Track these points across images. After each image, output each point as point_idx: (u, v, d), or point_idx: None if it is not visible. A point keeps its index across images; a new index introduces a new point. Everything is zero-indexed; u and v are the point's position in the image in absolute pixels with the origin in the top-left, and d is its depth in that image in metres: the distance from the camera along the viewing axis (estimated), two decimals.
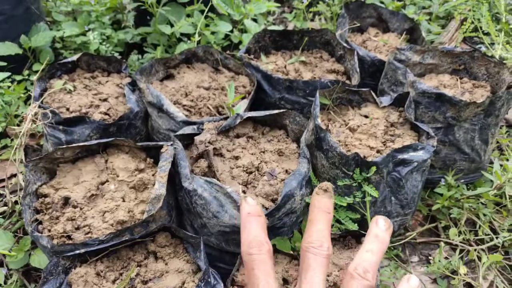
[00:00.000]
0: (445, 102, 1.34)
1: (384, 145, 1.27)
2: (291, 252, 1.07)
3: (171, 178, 1.14)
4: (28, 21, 1.81)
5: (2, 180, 1.39)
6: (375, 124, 1.32)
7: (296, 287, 0.55)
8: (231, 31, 1.94)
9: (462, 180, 1.45)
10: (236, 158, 1.23)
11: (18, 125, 1.42)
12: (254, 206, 0.64)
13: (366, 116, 1.37)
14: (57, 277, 0.93)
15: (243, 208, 0.61)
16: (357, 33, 1.93)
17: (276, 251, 1.08)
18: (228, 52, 1.98)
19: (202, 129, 1.24)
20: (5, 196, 1.33)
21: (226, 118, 1.29)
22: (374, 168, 1.13)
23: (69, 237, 1.02)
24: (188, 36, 1.89)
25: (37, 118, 1.25)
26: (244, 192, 1.14)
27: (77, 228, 1.04)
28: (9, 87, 1.56)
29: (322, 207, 0.60)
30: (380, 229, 0.62)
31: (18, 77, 1.66)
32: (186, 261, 0.99)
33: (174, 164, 1.16)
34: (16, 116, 1.56)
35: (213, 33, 1.90)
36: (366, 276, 0.55)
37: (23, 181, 1.25)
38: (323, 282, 0.54)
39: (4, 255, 1.23)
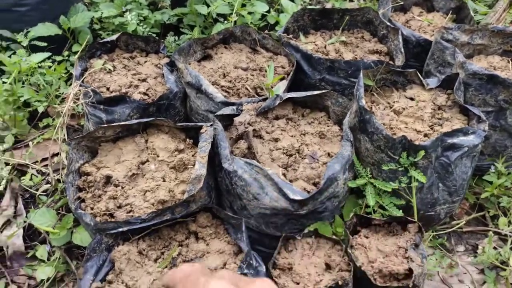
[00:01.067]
0: (498, 84, 1.27)
1: (432, 129, 1.21)
2: (333, 237, 1.05)
3: (211, 159, 1.12)
4: (67, 2, 1.82)
5: (45, 159, 1.42)
6: (421, 106, 1.26)
7: None
8: (268, 11, 1.89)
9: None
10: (276, 140, 1.20)
11: (59, 105, 1.43)
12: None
13: (411, 99, 1.30)
14: (100, 254, 0.94)
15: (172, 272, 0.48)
16: (400, 13, 1.84)
17: (317, 235, 1.05)
18: (266, 32, 1.94)
19: (241, 110, 1.22)
20: (48, 175, 1.36)
21: (265, 99, 1.26)
22: (422, 152, 1.07)
23: (111, 215, 1.03)
24: (225, 16, 1.86)
25: (78, 98, 1.25)
26: (284, 175, 1.12)
27: (119, 207, 1.04)
28: (50, 67, 1.57)
29: None
30: None
31: (58, 58, 1.67)
32: (227, 242, 0.98)
33: (214, 145, 1.15)
34: (57, 96, 1.58)
35: (249, 13, 1.86)
36: None
37: (66, 159, 1.27)
38: None
39: (47, 232, 1.25)
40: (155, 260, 0.95)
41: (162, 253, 0.96)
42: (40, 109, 1.50)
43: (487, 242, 1.16)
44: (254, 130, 1.18)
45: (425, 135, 1.18)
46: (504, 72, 1.42)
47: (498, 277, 1.17)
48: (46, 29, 1.68)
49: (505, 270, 1.15)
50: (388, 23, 1.56)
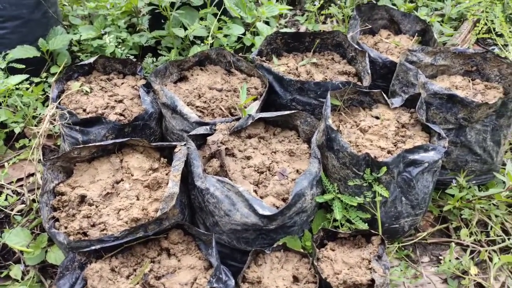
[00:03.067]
0: (457, 103, 1.34)
1: (395, 146, 1.27)
2: (301, 250, 1.09)
3: (184, 177, 1.16)
4: (46, 24, 1.85)
5: (21, 179, 1.44)
6: (386, 125, 1.33)
7: None
8: (244, 34, 1.96)
9: (474, 182, 1.44)
10: (248, 158, 1.25)
11: (36, 126, 1.46)
12: None
13: (377, 117, 1.37)
14: (73, 272, 0.96)
15: None
16: (369, 35, 1.93)
17: (286, 249, 1.09)
18: (240, 54, 2.01)
19: (215, 130, 1.27)
20: (23, 195, 1.37)
21: (238, 119, 1.31)
22: (384, 168, 1.13)
23: (85, 234, 1.05)
24: (201, 39, 1.92)
25: (55, 119, 1.28)
26: (255, 191, 1.16)
27: (93, 225, 1.07)
28: (27, 89, 1.60)
29: None
30: None
31: (36, 79, 1.70)
32: (198, 257, 1.01)
33: (187, 164, 1.19)
34: (34, 117, 1.60)
35: (226, 36, 1.92)
36: None
37: (41, 179, 1.29)
38: None
39: (21, 252, 1.26)
40: (127, 277, 0.97)
41: (135, 270, 0.99)
42: (17, 130, 1.52)
43: (449, 253, 1.22)
44: (226, 148, 1.23)
45: (389, 152, 1.24)
46: (465, 91, 1.50)
47: (460, 286, 1.22)
48: (24, 51, 1.72)
49: (465, 279, 1.20)
50: (356, 46, 1.65)
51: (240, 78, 1.57)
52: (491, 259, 1.26)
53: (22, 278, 1.24)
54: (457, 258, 1.28)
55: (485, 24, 2.20)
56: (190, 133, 1.24)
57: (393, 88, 1.57)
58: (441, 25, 2.30)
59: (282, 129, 1.36)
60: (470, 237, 1.33)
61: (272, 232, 1.11)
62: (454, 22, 2.44)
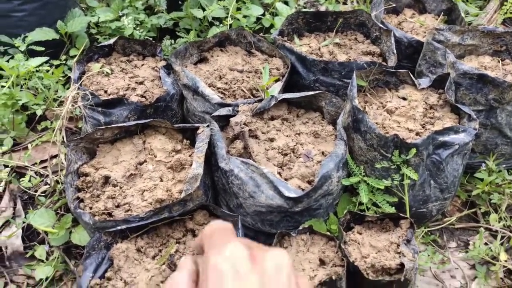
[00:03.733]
0: (488, 84, 1.29)
1: (423, 127, 1.24)
2: (328, 233, 1.07)
3: (207, 159, 1.15)
4: (64, 7, 1.84)
5: (44, 161, 1.44)
6: (413, 106, 1.29)
7: None
8: (263, 15, 1.92)
9: (504, 165, 1.40)
10: (271, 140, 1.23)
11: (57, 108, 1.45)
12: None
13: (404, 98, 1.33)
14: (99, 252, 0.96)
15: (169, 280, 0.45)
16: (392, 15, 1.87)
17: (312, 232, 1.07)
18: (260, 35, 1.97)
19: (237, 111, 1.24)
20: (47, 176, 1.38)
21: (260, 100, 1.29)
22: (414, 150, 1.10)
23: (110, 214, 1.05)
24: (220, 20, 1.89)
25: (76, 100, 1.28)
26: (279, 174, 1.14)
27: (117, 206, 1.06)
28: (47, 71, 1.59)
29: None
30: None
31: (56, 62, 1.69)
32: None
33: (210, 145, 1.17)
34: (55, 99, 1.60)
35: (245, 16, 1.89)
36: None
37: (65, 160, 1.29)
38: None
39: (46, 233, 1.27)
40: (153, 257, 0.97)
41: (160, 251, 0.98)
42: (38, 112, 1.52)
43: (478, 238, 1.19)
44: (250, 130, 1.21)
45: (417, 134, 1.20)
46: (494, 72, 1.45)
47: (489, 272, 1.19)
48: (43, 34, 1.71)
49: (495, 265, 1.17)
50: (381, 25, 1.59)
51: (261, 59, 1.53)
52: None
53: (47, 259, 1.25)
54: (485, 244, 1.25)
55: None
56: (213, 114, 1.22)
57: (419, 68, 1.52)
58: (466, 4, 2.22)
59: (306, 110, 1.33)
60: (499, 222, 1.29)
61: (297, 214, 1.09)
62: (479, 1, 2.35)
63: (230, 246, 0.40)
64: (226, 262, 0.38)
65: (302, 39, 1.66)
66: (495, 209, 1.35)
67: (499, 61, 1.51)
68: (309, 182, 1.12)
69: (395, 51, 1.48)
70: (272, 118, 1.29)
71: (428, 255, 1.19)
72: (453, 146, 1.15)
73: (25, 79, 1.58)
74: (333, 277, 0.94)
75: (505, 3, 2.14)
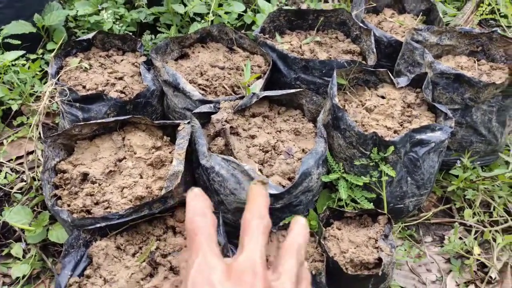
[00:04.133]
0: (464, 83, 1.33)
1: (401, 125, 1.26)
2: None
3: (188, 156, 1.14)
4: (41, 0, 1.80)
5: (20, 157, 1.41)
6: (392, 104, 1.31)
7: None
8: (245, 11, 1.92)
9: (478, 162, 1.44)
10: (252, 137, 1.23)
11: (34, 103, 1.43)
12: (203, 203, 0.51)
13: (382, 97, 1.36)
14: (78, 250, 0.95)
15: (189, 204, 0.51)
16: (373, 14, 1.90)
17: None
18: (242, 32, 1.97)
19: (219, 108, 1.24)
20: (23, 173, 1.35)
21: (242, 98, 1.29)
22: (392, 148, 1.12)
23: (88, 212, 1.03)
24: (201, 16, 1.88)
25: (54, 95, 1.25)
26: (260, 170, 1.15)
27: (96, 203, 1.05)
28: (24, 65, 1.56)
29: (262, 193, 0.52)
30: (291, 239, 0.53)
31: (33, 56, 1.66)
32: None
33: (191, 142, 1.17)
34: (31, 94, 1.56)
35: (226, 13, 1.88)
36: None
37: (42, 157, 1.26)
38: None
39: (22, 230, 1.25)
40: (133, 255, 0.96)
41: (140, 248, 0.98)
42: (14, 107, 1.48)
43: (453, 233, 1.22)
44: (231, 127, 1.21)
45: (395, 132, 1.23)
46: (470, 72, 1.49)
47: (463, 265, 1.23)
48: (20, 27, 1.66)
49: (469, 258, 1.21)
50: (361, 24, 1.61)
51: (243, 55, 1.53)
52: (494, 240, 1.26)
53: (24, 256, 1.22)
54: (460, 238, 1.29)
55: (489, 4, 2.17)
56: (194, 111, 1.21)
57: (398, 67, 1.55)
58: (444, 4, 2.27)
59: (287, 108, 1.34)
60: (473, 217, 1.33)
61: (278, 211, 1.10)
62: (457, 3, 2.40)
63: (206, 263, 0.44)
64: (203, 281, 0.43)
65: (283, 36, 1.67)
66: (469, 204, 1.39)
67: (475, 61, 1.55)
68: (290, 179, 1.13)
69: (374, 50, 1.50)
70: (254, 116, 1.30)
71: (405, 250, 1.22)
72: (430, 144, 1.17)
73: (1, 73, 1.54)
74: (313, 272, 0.96)
75: (480, 4, 2.19)
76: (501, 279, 1.19)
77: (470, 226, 1.32)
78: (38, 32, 1.73)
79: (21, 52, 1.56)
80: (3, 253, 1.23)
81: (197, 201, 0.50)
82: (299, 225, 0.52)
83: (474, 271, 1.22)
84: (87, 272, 0.92)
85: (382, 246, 0.99)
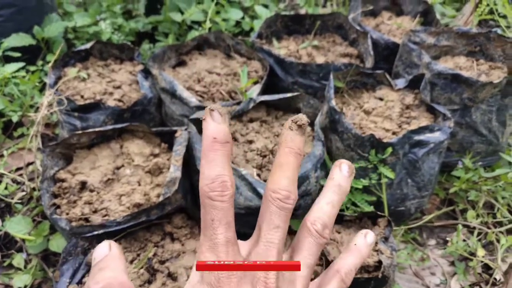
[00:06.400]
0: (462, 83, 1.32)
1: (400, 127, 1.25)
2: None
3: (186, 162, 1.14)
4: (41, 12, 1.82)
5: (20, 168, 1.42)
6: (390, 106, 1.30)
7: (251, 242, 0.48)
8: (242, 18, 1.93)
9: (480, 163, 1.42)
10: (250, 142, 1.23)
11: (33, 114, 1.43)
12: (222, 128, 0.46)
13: (380, 99, 1.35)
14: (76, 258, 0.95)
15: (207, 127, 0.46)
16: (370, 17, 1.90)
17: (291, 232, 1.07)
18: (240, 38, 1.98)
19: None
20: (23, 183, 1.36)
21: (239, 103, 1.29)
22: (390, 149, 1.12)
23: (87, 220, 1.03)
24: (199, 23, 1.89)
25: (52, 105, 1.26)
26: (258, 175, 1.14)
27: (95, 211, 1.05)
28: (24, 77, 1.57)
29: (295, 148, 0.47)
30: (343, 177, 0.50)
31: (32, 68, 1.67)
32: None
33: (189, 148, 1.16)
34: (31, 106, 1.58)
35: (224, 20, 1.89)
36: (324, 233, 0.47)
37: (41, 166, 1.27)
38: (283, 243, 0.46)
39: (23, 240, 1.25)
40: (131, 262, 0.96)
41: (138, 255, 0.97)
42: (15, 119, 1.49)
43: (456, 235, 1.21)
44: None
45: (394, 133, 1.22)
46: (469, 72, 1.48)
47: (467, 268, 1.21)
48: (19, 39, 1.68)
49: (472, 260, 1.19)
50: (358, 27, 1.62)
51: (240, 61, 1.54)
52: (498, 241, 1.24)
53: (25, 267, 1.22)
54: (464, 240, 1.27)
55: (487, 5, 2.17)
56: (191, 117, 1.21)
57: (396, 69, 1.54)
58: (443, 6, 2.27)
59: (284, 112, 1.34)
60: (476, 219, 1.31)
61: None
62: (456, 4, 2.40)
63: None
64: None
65: (280, 41, 1.67)
66: (472, 206, 1.37)
67: (473, 61, 1.54)
68: None
69: (372, 52, 1.50)
70: (251, 121, 1.30)
71: (408, 253, 1.20)
72: (429, 145, 1.16)
73: (1, 85, 1.55)
74: (312, 276, 0.94)
75: (479, 5, 2.19)
76: (506, 281, 1.17)
77: (474, 227, 1.30)
78: (38, 44, 1.75)
79: (21, 64, 1.57)
80: (5, 264, 1.23)
81: (217, 156, 0.46)
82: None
83: (479, 273, 1.21)
84: (85, 279, 0.92)
85: (382, 249, 0.98)
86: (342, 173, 0.51)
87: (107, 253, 0.45)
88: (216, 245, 0.45)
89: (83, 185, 1.11)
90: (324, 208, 0.50)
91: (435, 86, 1.36)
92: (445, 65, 1.52)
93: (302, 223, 0.51)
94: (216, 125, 0.46)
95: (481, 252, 1.21)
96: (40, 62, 1.73)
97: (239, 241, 0.47)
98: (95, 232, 0.95)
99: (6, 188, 1.33)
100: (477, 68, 1.50)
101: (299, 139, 0.48)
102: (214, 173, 0.45)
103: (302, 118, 0.45)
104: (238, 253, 0.46)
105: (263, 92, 1.43)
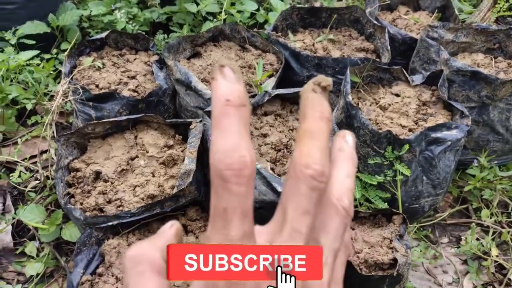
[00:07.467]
0: (480, 81, 1.30)
1: (416, 124, 1.24)
2: None
3: (200, 154, 1.14)
4: (55, 0, 1.82)
5: (34, 156, 1.42)
6: (406, 102, 1.29)
7: (272, 228, 0.35)
8: (257, 10, 1.91)
9: (495, 162, 1.41)
10: (264, 135, 1.22)
11: (48, 102, 1.44)
12: (236, 88, 0.34)
13: (397, 95, 1.33)
14: (90, 248, 0.95)
15: (218, 88, 0.33)
16: (387, 12, 1.87)
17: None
18: (255, 30, 1.96)
19: None
20: (37, 171, 1.36)
21: (253, 96, 1.28)
22: (407, 146, 1.10)
23: (101, 210, 1.04)
24: (214, 15, 1.87)
25: (67, 94, 1.26)
26: (272, 169, 1.14)
27: (109, 202, 1.05)
28: (38, 65, 1.57)
29: (325, 113, 0.42)
30: (352, 148, 0.40)
31: (47, 56, 1.67)
32: None
33: (203, 141, 1.16)
34: (45, 94, 1.58)
35: (239, 11, 1.87)
36: (351, 211, 0.37)
37: (55, 155, 1.27)
38: (310, 232, 0.34)
39: (36, 229, 1.25)
40: None
41: None
42: (29, 107, 1.49)
43: (470, 233, 1.20)
44: None
45: (410, 130, 1.21)
46: (487, 69, 1.45)
47: (481, 267, 1.20)
48: (34, 27, 1.68)
49: (486, 260, 1.18)
50: (375, 22, 1.59)
51: (255, 54, 1.52)
52: None
53: (37, 255, 1.23)
54: (477, 239, 1.26)
55: (506, 1, 2.12)
56: (206, 109, 1.21)
57: (413, 65, 1.52)
58: (460, 2, 2.23)
59: (299, 106, 1.32)
60: (490, 218, 1.30)
61: None
62: (473, 0, 2.36)
63: None
64: None
65: (296, 34, 1.65)
66: (486, 205, 1.36)
67: (492, 59, 1.51)
68: None
69: (389, 47, 1.47)
70: (266, 114, 1.29)
71: (421, 251, 1.19)
72: (446, 142, 1.15)
73: (15, 73, 1.56)
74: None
75: (498, 1, 2.15)
76: None
77: (488, 226, 1.29)
78: (53, 32, 1.74)
79: (35, 52, 1.57)
80: (18, 252, 1.24)
81: (232, 122, 0.32)
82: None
83: (492, 273, 1.19)
84: (99, 270, 0.92)
85: (397, 247, 0.98)
86: (349, 144, 0.42)
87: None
88: (229, 242, 0.33)
89: (97, 175, 1.11)
90: (346, 182, 0.37)
91: (453, 83, 1.34)
92: (463, 61, 1.49)
93: (327, 200, 0.36)
94: (229, 84, 0.34)
95: (495, 252, 1.20)
96: (54, 50, 1.73)
97: (256, 227, 0.36)
98: (110, 223, 0.95)
99: (19, 176, 1.34)
100: (495, 66, 1.48)
101: (326, 104, 0.37)
102: (229, 145, 0.33)
103: (326, 78, 0.37)
104: None
105: (278, 85, 1.42)
